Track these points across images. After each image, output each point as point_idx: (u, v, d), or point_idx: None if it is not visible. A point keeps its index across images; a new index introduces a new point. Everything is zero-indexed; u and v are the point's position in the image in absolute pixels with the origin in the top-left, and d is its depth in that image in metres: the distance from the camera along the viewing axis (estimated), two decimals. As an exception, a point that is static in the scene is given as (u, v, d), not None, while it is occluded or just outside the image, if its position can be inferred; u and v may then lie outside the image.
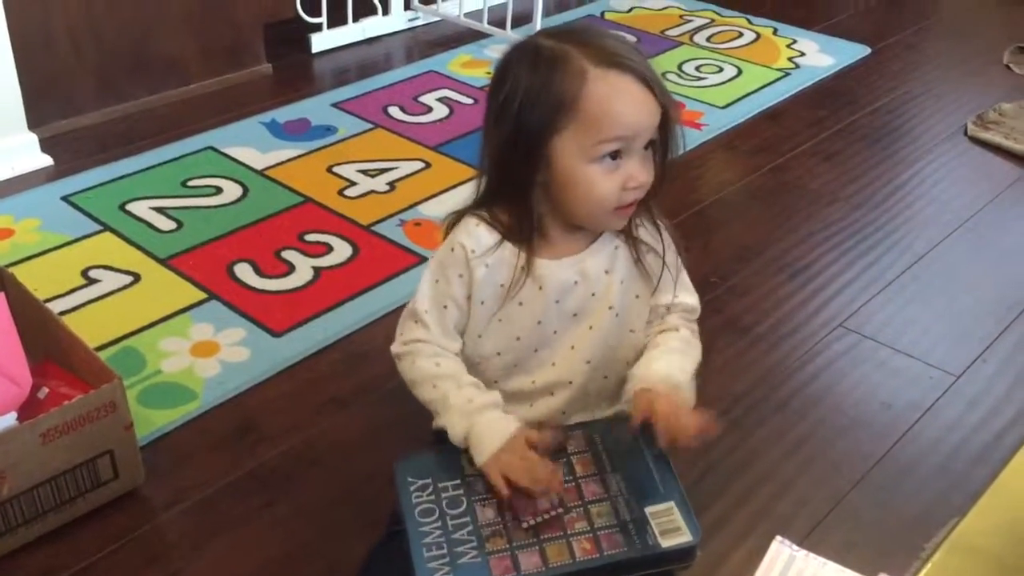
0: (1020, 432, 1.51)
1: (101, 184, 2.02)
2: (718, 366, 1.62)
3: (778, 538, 0.75)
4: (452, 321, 1.08)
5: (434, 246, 1.85)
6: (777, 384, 1.59)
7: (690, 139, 2.29)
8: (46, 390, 1.33)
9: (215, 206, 1.97)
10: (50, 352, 1.40)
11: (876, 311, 1.78)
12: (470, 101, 2.44)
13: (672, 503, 1.01)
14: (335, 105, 2.40)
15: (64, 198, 1.97)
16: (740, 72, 2.69)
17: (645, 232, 1.11)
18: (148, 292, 1.71)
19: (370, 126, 2.31)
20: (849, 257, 1.93)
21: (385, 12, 2.84)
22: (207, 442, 1.43)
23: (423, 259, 1.82)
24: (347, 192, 2.04)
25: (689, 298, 1.16)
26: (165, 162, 2.12)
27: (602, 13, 3.03)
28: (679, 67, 2.71)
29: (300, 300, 1.71)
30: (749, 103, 2.53)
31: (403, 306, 1.69)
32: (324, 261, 1.82)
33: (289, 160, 2.15)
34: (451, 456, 1.06)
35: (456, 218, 1.09)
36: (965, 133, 2.43)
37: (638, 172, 1.01)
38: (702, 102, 2.51)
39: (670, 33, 2.93)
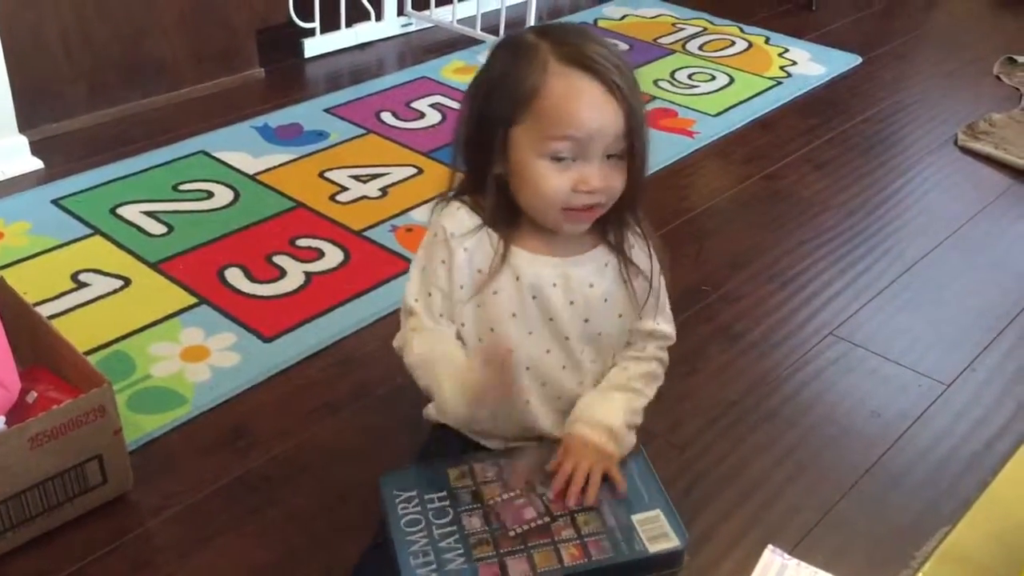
0: (1010, 441, 1.52)
1: (92, 188, 2.02)
2: (709, 374, 1.62)
3: (770, 547, 0.75)
4: (439, 308, 1.09)
5: (412, 262, 1.86)
6: (768, 392, 1.59)
7: (682, 147, 2.32)
8: (35, 394, 1.33)
9: (206, 210, 1.97)
10: (39, 356, 1.39)
11: (867, 319, 1.78)
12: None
13: (658, 510, 1.02)
14: (327, 110, 2.40)
15: (54, 201, 1.97)
16: (732, 80, 2.70)
17: (637, 253, 1.11)
18: (138, 296, 1.71)
19: (362, 131, 2.31)
20: (840, 265, 1.94)
21: (378, 18, 2.84)
22: (197, 447, 1.42)
23: (412, 260, 1.82)
24: (339, 197, 2.03)
25: (668, 327, 1.17)
26: (156, 166, 2.11)
27: (595, 21, 3.04)
28: (671, 75, 2.71)
29: (291, 305, 1.71)
30: (741, 111, 2.53)
31: (394, 312, 1.71)
32: (315, 266, 1.81)
33: (281, 165, 2.14)
34: (437, 470, 1.07)
35: (441, 202, 1.10)
36: (955, 143, 2.44)
37: (592, 176, 0.99)
38: (694, 110, 2.52)
39: (663, 41, 2.94)
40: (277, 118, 2.35)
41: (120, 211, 1.94)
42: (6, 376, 1.28)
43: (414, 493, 1.03)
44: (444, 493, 1.04)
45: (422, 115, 2.40)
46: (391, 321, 1.68)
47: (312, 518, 1.32)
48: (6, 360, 1.30)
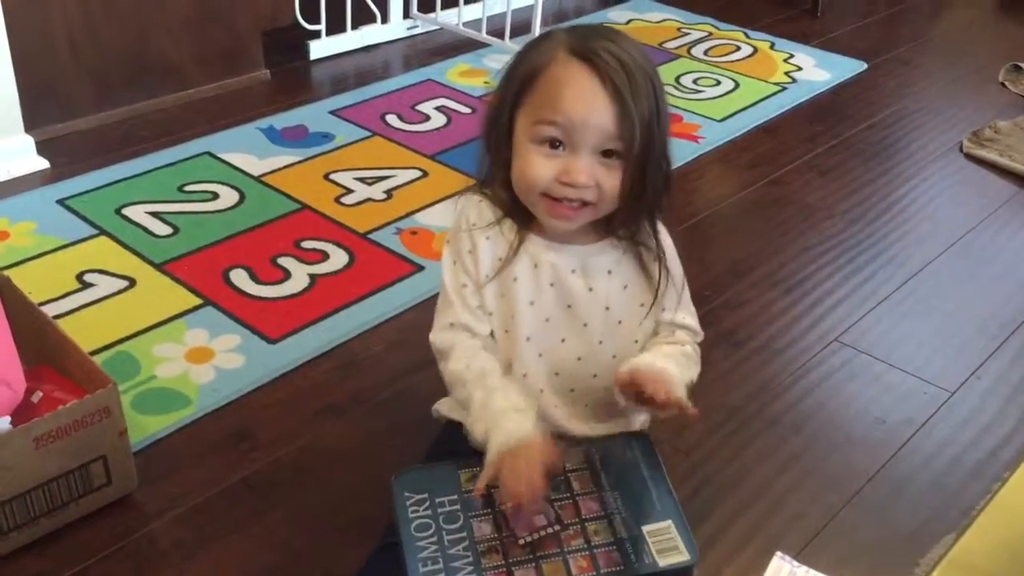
0: (1014, 449, 1.52)
1: (97, 188, 2.02)
2: (712, 380, 1.62)
3: (778, 553, 0.75)
4: (474, 299, 1.09)
5: (431, 255, 1.86)
6: (771, 398, 1.59)
7: (687, 152, 2.32)
8: (40, 394, 1.33)
9: (211, 212, 1.97)
10: (45, 356, 1.39)
11: (871, 326, 1.78)
12: (468, 110, 2.45)
13: (670, 522, 1.01)
14: (333, 112, 2.40)
15: (60, 201, 1.97)
16: (737, 86, 2.70)
17: (655, 244, 1.11)
18: (143, 297, 1.71)
19: (368, 134, 2.31)
20: (844, 272, 1.94)
21: (384, 20, 2.84)
22: (201, 449, 1.42)
23: (419, 268, 1.82)
24: (344, 200, 2.04)
25: (693, 321, 1.18)
26: (162, 167, 2.11)
27: (601, 25, 3.04)
28: (677, 80, 2.71)
29: (296, 307, 1.71)
30: (746, 117, 2.53)
31: (399, 315, 1.72)
32: (320, 268, 1.81)
33: (286, 167, 2.14)
34: (449, 471, 1.06)
35: (465, 195, 1.11)
36: (960, 150, 2.44)
37: (576, 169, 0.98)
38: (699, 115, 2.52)
39: (668, 46, 2.94)
40: (282, 120, 2.35)
41: (125, 211, 1.94)
42: (11, 376, 1.28)
43: (426, 495, 1.03)
44: (455, 496, 1.03)
45: (427, 118, 2.41)
46: (395, 323, 1.69)
47: (316, 520, 1.32)
48: (11, 360, 1.30)
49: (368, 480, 1.36)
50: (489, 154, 1.08)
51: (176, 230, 1.89)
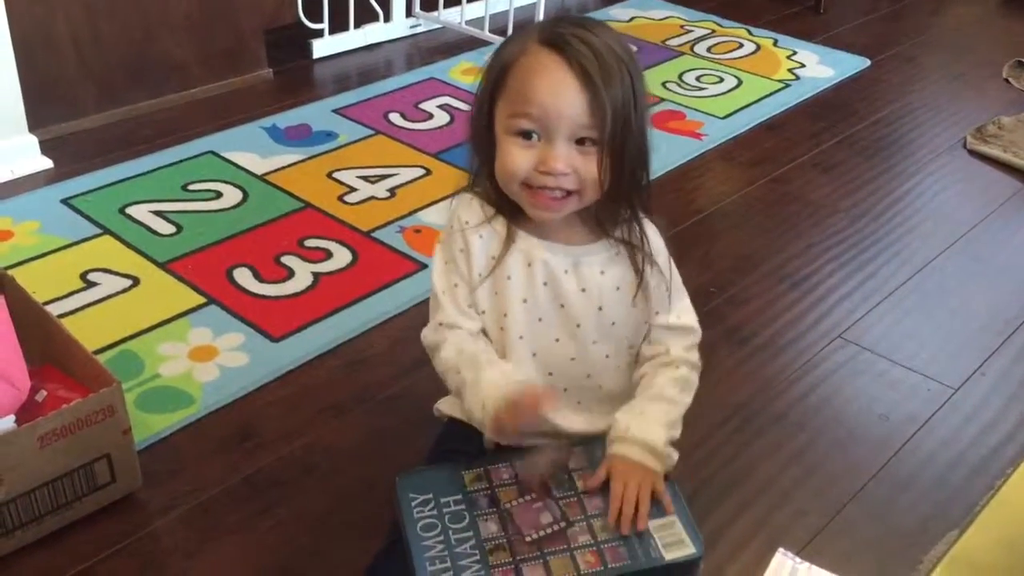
0: (1018, 446, 1.51)
1: (101, 187, 2.02)
2: (717, 377, 1.62)
3: (781, 550, 0.75)
4: (464, 299, 1.09)
5: (434, 254, 1.86)
6: (775, 395, 1.59)
7: (690, 149, 2.32)
8: (44, 393, 1.33)
9: (215, 210, 1.97)
10: (49, 355, 1.40)
11: (875, 323, 1.78)
12: (471, 108, 2.44)
13: (675, 517, 1.01)
14: (336, 111, 2.40)
15: (64, 201, 1.97)
16: (740, 83, 2.70)
17: (646, 243, 1.10)
18: (147, 296, 1.71)
19: (371, 132, 2.31)
20: (848, 269, 1.94)
21: (387, 19, 2.84)
22: (205, 447, 1.43)
23: (423, 266, 1.82)
24: (347, 198, 2.04)
25: (690, 319, 1.16)
26: (165, 166, 2.12)
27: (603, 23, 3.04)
28: (680, 77, 2.71)
29: (299, 306, 1.71)
30: (749, 114, 2.53)
31: (402, 313, 1.72)
32: (323, 267, 1.82)
33: (289, 165, 2.15)
34: (452, 472, 1.06)
35: (458, 195, 1.12)
36: (964, 146, 2.44)
37: (552, 157, 0.98)
38: (702, 112, 2.51)
39: (671, 43, 2.94)
40: (286, 119, 2.35)
41: (129, 211, 1.95)
42: (16, 375, 1.29)
43: (430, 496, 1.03)
44: (460, 496, 1.03)
45: (430, 116, 2.41)
46: (399, 322, 1.69)
47: (319, 519, 1.32)
48: (16, 359, 1.30)
49: (372, 478, 1.36)
50: (474, 149, 1.08)
51: (180, 229, 1.90)
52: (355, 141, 2.27)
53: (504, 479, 1.05)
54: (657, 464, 1.05)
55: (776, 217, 2.11)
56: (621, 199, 1.05)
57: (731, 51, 2.91)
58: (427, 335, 1.13)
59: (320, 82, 2.62)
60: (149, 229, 1.89)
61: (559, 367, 1.11)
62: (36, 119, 2.13)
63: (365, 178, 2.12)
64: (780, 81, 2.73)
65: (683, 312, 1.15)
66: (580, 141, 0.99)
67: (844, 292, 1.86)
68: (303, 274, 1.79)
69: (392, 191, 2.08)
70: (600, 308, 1.09)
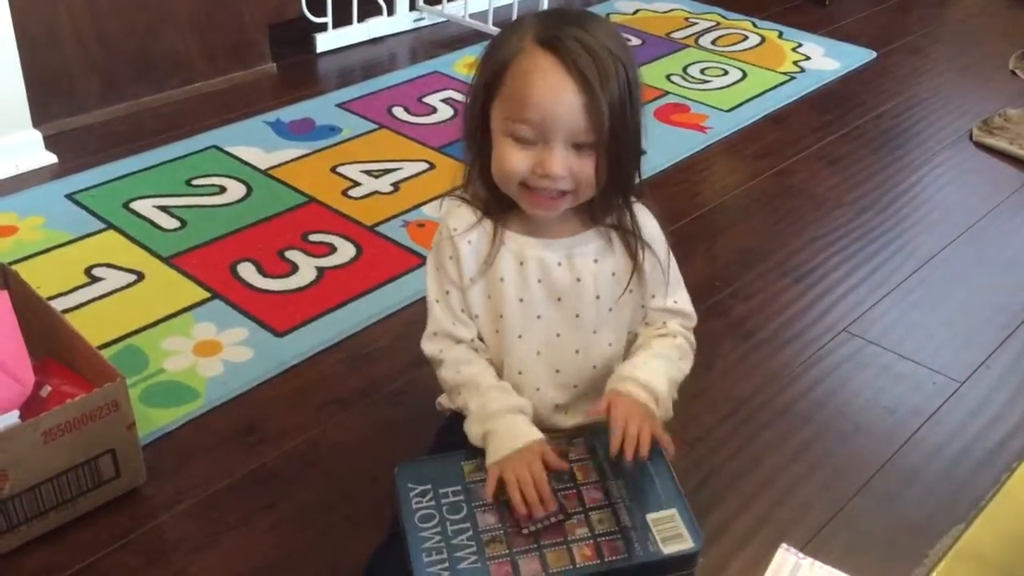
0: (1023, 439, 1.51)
1: (105, 182, 2.02)
2: (721, 370, 1.62)
3: (784, 546, 0.75)
4: (458, 305, 1.10)
5: (426, 262, 1.86)
6: (780, 388, 1.59)
7: (695, 142, 2.31)
8: (49, 388, 1.33)
9: (219, 205, 1.97)
10: (53, 350, 1.40)
11: (880, 316, 1.77)
12: (465, 99, 2.44)
13: (674, 510, 1.01)
14: (340, 105, 2.40)
15: (68, 196, 1.97)
16: (745, 75, 2.69)
17: (640, 228, 1.10)
18: (151, 291, 1.71)
19: (374, 126, 2.31)
20: (853, 262, 1.93)
21: (390, 12, 2.84)
22: (209, 442, 1.43)
23: (426, 260, 1.82)
24: (351, 192, 2.04)
25: (685, 304, 1.16)
26: (169, 161, 2.12)
27: (607, 15, 3.03)
28: (684, 70, 2.70)
29: (303, 300, 1.71)
30: (754, 106, 2.52)
31: (406, 307, 1.72)
32: (327, 261, 1.82)
33: (293, 160, 2.15)
34: (452, 462, 1.06)
35: (445, 200, 1.12)
36: (970, 138, 2.43)
37: (549, 162, 0.98)
38: (707, 105, 2.51)
39: (675, 36, 2.93)
40: (289, 113, 2.35)
41: (133, 206, 1.95)
42: (20, 370, 1.29)
43: (428, 486, 1.03)
44: (459, 487, 1.03)
45: (434, 110, 2.40)
46: (403, 316, 1.69)
47: (323, 513, 1.32)
48: (20, 354, 1.30)
49: (376, 472, 1.36)
50: (468, 143, 1.08)
51: (184, 224, 1.90)
52: (359, 135, 2.27)
53: None
54: (657, 410, 1.05)
55: (781, 210, 2.10)
56: (616, 191, 1.05)
57: (736, 43, 2.90)
58: (425, 346, 1.14)
59: (324, 76, 2.61)
60: (153, 224, 1.89)
61: (565, 362, 1.11)
62: (40, 114, 2.13)
63: (369, 172, 2.11)
64: (785, 74, 2.72)
65: (680, 299, 1.15)
66: (577, 145, 0.99)
67: (849, 285, 1.86)
68: (307, 269, 1.79)
69: (396, 185, 2.07)
70: (598, 297, 1.09)
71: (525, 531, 0.98)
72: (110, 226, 1.88)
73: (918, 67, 2.85)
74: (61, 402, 1.21)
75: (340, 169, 2.12)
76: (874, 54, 2.88)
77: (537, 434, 1.03)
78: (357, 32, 2.77)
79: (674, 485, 1.04)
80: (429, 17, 2.91)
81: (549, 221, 1.07)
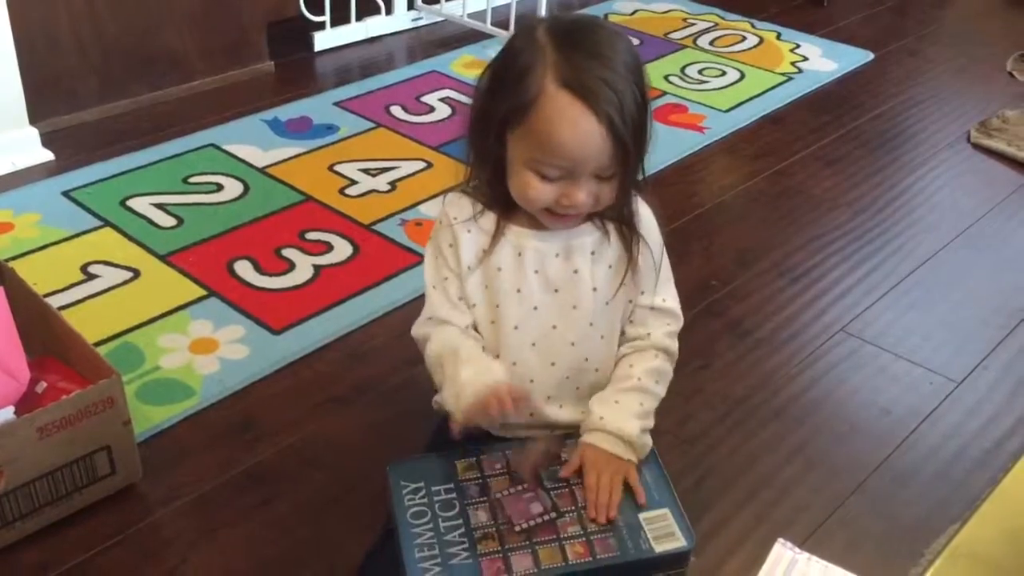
0: (1020, 439, 1.51)
1: (102, 180, 2.02)
2: (718, 370, 1.62)
3: (780, 540, 0.75)
4: (455, 292, 1.10)
5: (425, 250, 1.86)
6: (777, 388, 1.59)
7: (692, 142, 2.31)
8: (44, 385, 1.33)
9: (216, 203, 1.97)
10: (49, 347, 1.39)
11: (877, 316, 1.77)
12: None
13: (666, 509, 1.01)
14: (337, 104, 2.40)
15: (65, 193, 1.97)
16: (743, 76, 2.69)
17: (638, 222, 1.10)
18: (148, 288, 1.71)
19: (372, 125, 2.31)
20: (851, 262, 1.93)
21: (388, 12, 2.83)
22: (205, 439, 1.42)
23: (423, 259, 1.82)
24: (348, 191, 2.03)
25: (673, 304, 1.16)
26: (166, 158, 2.11)
27: (605, 15, 3.03)
28: (682, 70, 2.70)
29: (300, 298, 1.71)
30: (752, 107, 2.52)
31: (403, 305, 1.72)
32: (324, 259, 1.81)
33: (290, 158, 2.14)
34: (445, 461, 1.07)
35: (449, 193, 1.12)
36: (968, 140, 2.43)
37: (575, 194, 1.00)
38: (705, 105, 2.51)
39: (673, 36, 2.93)
40: (287, 111, 2.35)
41: (130, 203, 1.94)
42: (16, 366, 1.28)
43: (421, 484, 1.03)
44: (451, 485, 1.03)
45: (432, 109, 2.40)
46: (400, 315, 1.69)
47: (319, 511, 1.32)
48: (16, 350, 1.30)
49: (372, 470, 1.34)
50: (474, 153, 1.08)
51: (180, 221, 1.89)
52: (356, 134, 2.26)
53: (496, 469, 1.05)
54: (631, 454, 1.06)
55: (779, 211, 2.10)
56: (626, 192, 1.06)
57: (734, 44, 2.90)
58: (415, 331, 1.14)
59: (321, 75, 2.61)
60: (150, 221, 1.89)
61: (560, 354, 1.11)
62: (37, 112, 2.13)
63: (366, 171, 2.11)
64: (783, 74, 2.72)
65: (668, 296, 1.15)
66: (601, 176, 1.01)
67: (847, 286, 1.86)
68: (304, 267, 1.79)
69: (393, 184, 2.07)
70: (595, 289, 1.09)
71: (517, 528, 0.98)
72: (107, 223, 1.88)
73: (916, 68, 2.85)
74: (57, 398, 1.21)
75: (337, 167, 2.12)
76: (872, 55, 2.89)
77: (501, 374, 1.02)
78: (355, 31, 2.77)
79: (667, 484, 1.04)
80: (427, 16, 2.91)
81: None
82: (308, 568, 1.24)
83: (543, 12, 2.67)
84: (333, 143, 2.22)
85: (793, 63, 2.80)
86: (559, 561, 0.96)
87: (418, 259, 1.82)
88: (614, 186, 1.02)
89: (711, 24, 3.04)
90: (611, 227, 1.09)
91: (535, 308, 1.09)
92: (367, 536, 1.13)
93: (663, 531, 0.99)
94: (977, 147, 2.40)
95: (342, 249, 1.85)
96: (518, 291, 1.08)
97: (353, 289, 1.74)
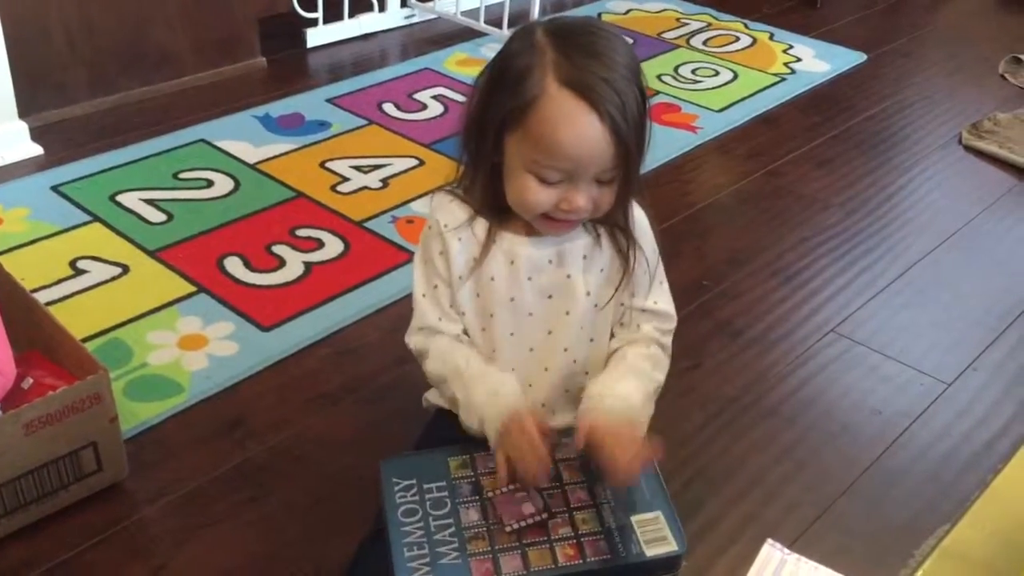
0: (1010, 441, 1.51)
1: (91, 174, 2.01)
2: (709, 370, 1.61)
3: (769, 541, 0.75)
4: (446, 300, 1.09)
5: (414, 257, 1.85)
6: (768, 389, 1.59)
7: (685, 142, 2.31)
8: (31, 380, 1.32)
9: (206, 199, 1.96)
10: (36, 342, 1.38)
11: (868, 317, 1.77)
12: (465, 99, 2.43)
13: (659, 512, 1.00)
14: (329, 100, 2.39)
15: (54, 188, 1.96)
16: (736, 76, 2.69)
17: (630, 225, 1.10)
18: (136, 284, 1.70)
19: (364, 122, 2.30)
20: (842, 263, 1.93)
21: (381, 8, 2.83)
22: (193, 436, 1.42)
23: (414, 254, 1.81)
24: (340, 188, 2.03)
25: (666, 306, 1.14)
26: (157, 154, 2.10)
27: (599, 15, 3.03)
28: (675, 70, 2.70)
29: (290, 295, 1.70)
30: (744, 107, 2.52)
31: (394, 303, 1.71)
32: (315, 256, 1.81)
33: (282, 154, 2.13)
34: (438, 458, 1.06)
35: (435, 195, 1.11)
36: (960, 142, 2.43)
37: (576, 198, 0.99)
38: (698, 105, 2.51)
39: (667, 36, 2.93)
40: (279, 108, 2.34)
41: (120, 198, 1.93)
42: (2, 362, 1.28)
43: (413, 481, 1.02)
44: (443, 483, 1.03)
45: (424, 107, 2.39)
46: (390, 312, 1.68)
47: (308, 508, 1.31)
48: (2, 346, 1.29)
49: (362, 467, 1.35)
50: (469, 156, 1.06)
51: (170, 217, 1.88)
52: (348, 131, 2.26)
53: (489, 467, 1.05)
54: (637, 420, 1.04)
55: (770, 211, 2.10)
56: (623, 196, 1.05)
57: (727, 44, 2.90)
58: (410, 340, 1.14)
59: (314, 71, 2.60)
60: (139, 217, 1.88)
61: (553, 360, 1.11)
62: (26, 105, 2.12)
63: (358, 168, 2.11)
64: (776, 75, 2.72)
65: (660, 299, 1.13)
66: (601, 179, 1.00)
67: (838, 286, 1.86)
68: (294, 263, 1.78)
69: (385, 181, 2.06)
70: (588, 293, 1.09)
71: (508, 529, 0.98)
72: (96, 219, 1.86)
73: (908, 70, 2.85)
74: (43, 394, 1.20)
75: (329, 164, 2.11)
76: (864, 57, 2.89)
77: (521, 401, 1.02)
78: (348, 28, 2.76)
79: (660, 487, 1.03)
80: (420, 14, 2.91)
81: None
82: (296, 565, 1.23)
83: (536, 10, 2.66)
84: (325, 140, 2.21)
85: (786, 64, 2.80)
86: (549, 563, 0.95)
87: (409, 256, 1.81)
88: (613, 191, 1.01)
89: (704, 24, 3.04)
90: (602, 231, 1.08)
91: (530, 315, 1.08)
92: (356, 533, 1.13)
93: (655, 535, 0.98)
94: (969, 149, 2.40)
95: (333, 246, 1.84)
96: (512, 300, 1.08)
97: (344, 286, 1.73)
